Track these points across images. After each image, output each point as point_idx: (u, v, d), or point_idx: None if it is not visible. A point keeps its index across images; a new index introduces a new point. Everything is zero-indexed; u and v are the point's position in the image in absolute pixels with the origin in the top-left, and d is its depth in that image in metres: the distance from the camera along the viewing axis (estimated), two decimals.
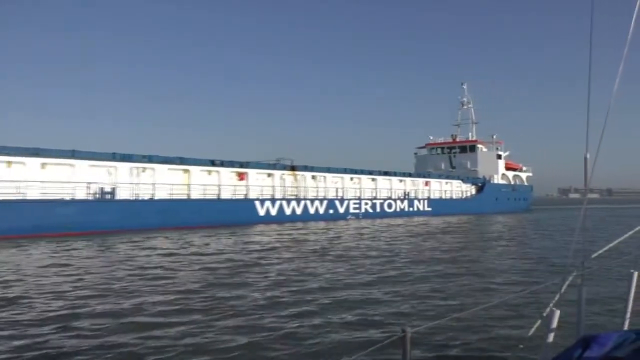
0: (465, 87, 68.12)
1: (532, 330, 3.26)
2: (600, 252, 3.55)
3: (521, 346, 5.92)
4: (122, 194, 27.84)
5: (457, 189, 56.11)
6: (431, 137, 67.94)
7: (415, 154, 69.36)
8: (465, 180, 57.53)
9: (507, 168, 66.08)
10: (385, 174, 47.09)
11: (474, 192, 58.51)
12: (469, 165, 63.33)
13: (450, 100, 73.06)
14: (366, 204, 43.00)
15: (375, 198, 44.65)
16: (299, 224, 33.64)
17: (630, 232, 3.83)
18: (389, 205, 45.30)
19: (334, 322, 7.91)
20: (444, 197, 53.60)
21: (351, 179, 43.36)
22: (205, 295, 10.01)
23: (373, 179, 45.57)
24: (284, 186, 37.28)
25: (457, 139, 66.20)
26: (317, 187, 39.94)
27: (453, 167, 64.55)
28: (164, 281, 11.64)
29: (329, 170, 41.36)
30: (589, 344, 2.16)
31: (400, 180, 48.74)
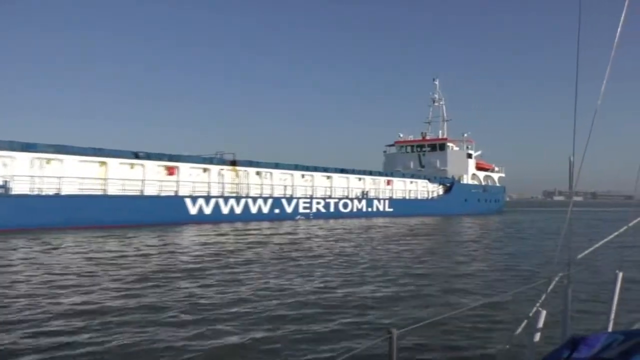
0: (437, 83, 65.57)
1: (519, 330, 3.21)
2: (586, 252, 3.55)
3: (507, 346, 5.90)
4: (20, 188, 24.61)
5: (422, 189, 53.46)
6: (401, 135, 65.36)
7: (385, 152, 66.70)
8: (432, 179, 54.92)
9: (479, 168, 63.65)
10: (342, 171, 44.23)
11: (441, 192, 55.94)
12: (438, 165, 60.82)
13: (425, 97, 69.92)
14: (318, 203, 40.10)
15: (329, 197, 41.78)
16: (239, 225, 30.79)
17: (615, 233, 3.86)
18: (345, 205, 42.45)
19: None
20: (408, 197, 50.91)
21: (302, 176, 40.42)
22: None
23: (328, 177, 42.69)
24: (223, 183, 34.24)
25: (427, 137, 63.64)
26: (261, 185, 36.95)
27: (422, 166, 62.00)
28: None
29: (276, 166, 38.37)
30: (577, 345, 2.18)
31: (359, 179, 45.91)
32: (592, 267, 10.46)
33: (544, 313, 2.88)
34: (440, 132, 64.64)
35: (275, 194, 37.43)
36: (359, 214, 43.27)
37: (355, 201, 43.62)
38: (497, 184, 67.08)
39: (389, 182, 48.94)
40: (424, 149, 62.52)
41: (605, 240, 3.69)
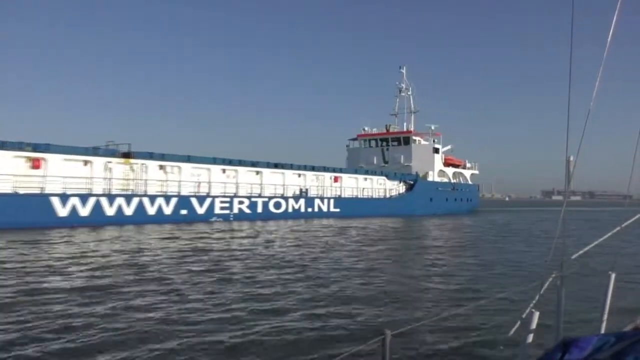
0: (404, 71, 60.03)
1: (512, 331, 3.19)
2: (579, 253, 3.51)
3: (501, 347, 6.27)
4: None
5: (379, 186, 47.90)
6: (366, 128, 59.81)
7: (347, 146, 61.16)
8: (391, 176, 49.37)
9: (448, 164, 58.07)
10: (276, 166, 38.67)
11: (403, 190, 50.41)
12: (402, 160, 55.36)
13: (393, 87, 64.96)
14: (241, 202, 34.56)
15: (258, 195, 36.25)
16: (130, 227, 25.49)
17: (609, 234, 3.81)
18: (277, 205, 36.89)
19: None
20: (361, 196, 45.36)
21: (223, 171, 34.89)
22: None
23: (257, 172, 37.14)
24: (111, 178, 28.73)
25: (392, 130, 58.05)
26: (166, 181, 31.43)
27: (386, 162, 56.53)
28: None
29: (188, 159, 32.85)
30: (568, 348, 2.18)
31: (299, 175, 40.36)
32: (585, 268, 10.69)
33: (537, 314, 2.86)
34: (405, 124, 59.10)
35: (185, 192, 31.91)
36: (295, 215, 37.74)
37: (291, 200, 38.06)
38: (469, 182, 61.43)
39: (336, 179, 43.38)
40: (387, 143, 57.00)
41: (599, 240, 3.67)
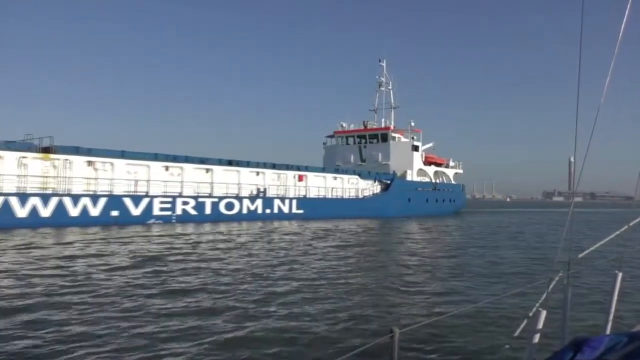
0: (384, 64, 56.76)
1: (518, 330, 3.25)
2: (586, 252, 3.47)
3: (507, 346, 6.21)
4: None
5: (351, 186, 44.64)
6: (344, 124, 56.61)
7: (324, 144, 57.95)
8: (364, 175, 46.11)
9: (429, 163, 54.77)
10: (230, 163, 35.47)
11: (378, 190, 47.15)
12: (380, 158, 52.13)
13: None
14: (186, 203, 31.37)
15: (208, 195, 33.07)
16: (46, 231, 22.52)
17: (615, 234, 3.79)
18: (229, 206, 33.68)
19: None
20: (330, 196, 42.12)
21: (166, 168, 31.72)
22: None
23: (207, 170, 33.94)
24: (26, 175, 25.57)
25: (370, 126, 54.79)
26: (96, 179, 28.27)
27: (363, 160, 53.35)
28: None
29: (122, 155, 29.67)
30: (580, 347, 2.15)
31: (257, 173, 37.14)
32: (591, 267, 10.53)
33: (544, 313, 2.84)
34: (384, 120, 55.80)
35: (118, 191, 28.74)
36: (252, 216, 34.54)
37: (246, 201, 34.85)
38: (453, 182, 58.06)
39: (301, 178, 40.12)
40: (364, 140, 53.76)
41: (604, 240, 3.62)
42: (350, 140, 55.01)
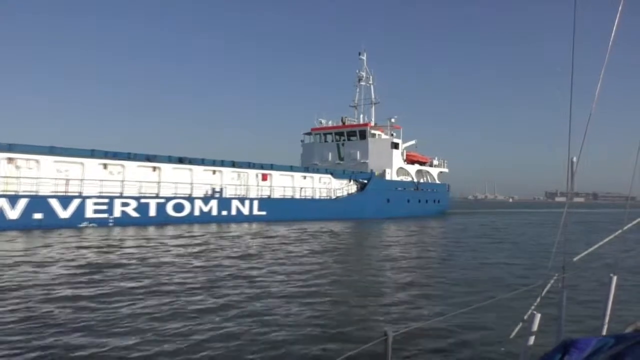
0: (364, 57, 53.72)
1: (513, 333, 3.18)
2: (581, 255, 3.45)
3: (502, 349, 6.26)
4: None
5: (323, 186, 41.61)
6: (322, 121, 53.56)
7: (302, 141, 54.97)
8: (337, 174, 43.07)
9: (411, 161, 51.70)
10: (181, 161, 32.51)
11: (354, 190, 44.14)
12: (358, 157, 49.15)
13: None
14: (125, 204, 28.41)
15: (156, 196, 30.12)
16: None
17: (611, 237, 3.76)
18: (178, 207, 30.71)
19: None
20: (299, 196, 39.11)
21: (104, 166, 28.75)
22: None
23: (154, 168, 30.97)
24: None
25: (348, 123, 51.77)
26: (18, 177, 25.31)
27: (341, 159, 50.35)
28: None
29: (50, 151, 26.70)
30: (568, 349, 2.18)
31: (213, 172, 34.16)
32: (587, 270, 10.59)
33: (538, 316, 2.87)
34: (362, 116, 52.79)
35: (44, 191, 25.79)
36: (205, 218, 31.57)
37: (199, 202, 31.87)
38: (437, 181, 54.89)
39: (265, 177, 37.11)
40: (343, 138, 50.76)
41: (600, 243, 3.60)
42: (329, 137, 52.03)
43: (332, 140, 51.43)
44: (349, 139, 50.18)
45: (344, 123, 51.53)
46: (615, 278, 3.34)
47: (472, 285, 11.64)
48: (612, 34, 2.87)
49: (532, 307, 2.92)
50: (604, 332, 3.18)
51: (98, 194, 27.64)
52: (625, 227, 3.73)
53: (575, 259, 3.43)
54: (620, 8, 2.86)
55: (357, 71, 53.82)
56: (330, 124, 52.65)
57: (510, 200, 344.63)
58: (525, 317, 2.93)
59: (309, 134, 53.77)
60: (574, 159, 2.95)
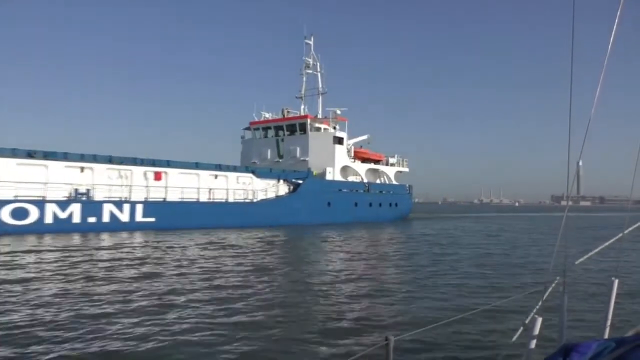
0: (311, 42, 47.12)
1: (515, 337, 3.14)
2: (582, 259, 3.47)
3: (504, 353, 6.16)
4: None
5: (241, 187, 34.98)
6: (267, 115, 47.01)
7: (242, 137, 48.48)
8: (261, 173, 36.43)
9: (362, 159, 44.94)
10: (31, 155, 26.03)
11: (285, 191, 37.54)
12: (298, 153, 42.51)
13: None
14: None
15: None
16: None
17: (611, 240, 3.75)
18: (20, 214, 24.22)
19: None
20: (208, 199, 32.56)
21: None
22: None
23: None
24: None
25: (289, 116, 45.17)
26: None
27: (281, 156, 43.78)
28: None
29: None
30: (569, 353, 2.15)
31: (81, 169, 27.65)
32: (588, 273, 10.42)
33: (540, 320, 2.84)
34: (303, 108, 46.05)
35: None
36: (62, 227, 25.10)
37: (52, 206, 25.37)
38: (394, 181, 47.92)
39: (158, 176, 30.57)
40: (283, 133, 44.18)
41: (601, 247, 3.59)
42: (270, 132, 45.47)
43: (273, 136, 44.91)
44: (291, 134, 43.61)
45: (284, 116, 44.93)
46: (616, 281, 3.31)
47: None
48: (611, 37, 2.93)
49: (534, 311, 2.93)
50: (606, 336, 3.15)
51: None
52: (626, 231, 3.64)
53: (576, 263, 3.48)
54: (618, 13, 2.90)
55: (303, 57, 47.25)
56: (269, 116, 46.13)
57: (517, 204, 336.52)
58: (527, 320, 2.92)
59: (248, 128, 47.26)
60: (580, 163, 2.86)
